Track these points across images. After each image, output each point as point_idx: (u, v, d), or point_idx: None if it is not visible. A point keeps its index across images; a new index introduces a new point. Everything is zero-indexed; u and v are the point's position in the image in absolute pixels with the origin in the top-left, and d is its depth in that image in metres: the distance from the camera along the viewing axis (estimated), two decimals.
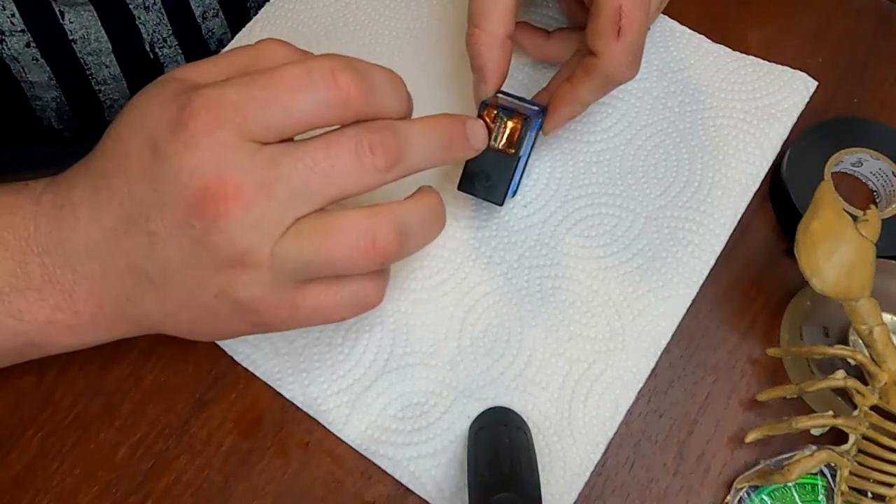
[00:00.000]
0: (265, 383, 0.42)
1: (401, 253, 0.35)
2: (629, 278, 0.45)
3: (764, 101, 0.50)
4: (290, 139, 0.34)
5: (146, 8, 0.52)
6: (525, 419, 0.41)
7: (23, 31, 0.48)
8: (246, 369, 0.43)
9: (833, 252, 0.39)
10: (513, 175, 0.41)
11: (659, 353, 0.43)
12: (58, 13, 0.48)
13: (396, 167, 0.34)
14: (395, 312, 0.44)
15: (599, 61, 0.40)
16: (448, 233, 0.46)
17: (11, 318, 0.36)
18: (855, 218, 0.40)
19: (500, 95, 0.43)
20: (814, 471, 0.39)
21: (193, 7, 0.54)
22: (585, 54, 0.41)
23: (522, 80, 0.50)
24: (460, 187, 0.42)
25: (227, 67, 0.35)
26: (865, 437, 0.39)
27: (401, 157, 0.34)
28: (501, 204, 0.42)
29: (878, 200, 0.49)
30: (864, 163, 0.48)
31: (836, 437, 0.40)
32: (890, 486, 0.38)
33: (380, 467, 0.40)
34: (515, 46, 0.47)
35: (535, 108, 0.42)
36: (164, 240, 0.34)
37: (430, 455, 0.40)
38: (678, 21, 0.52)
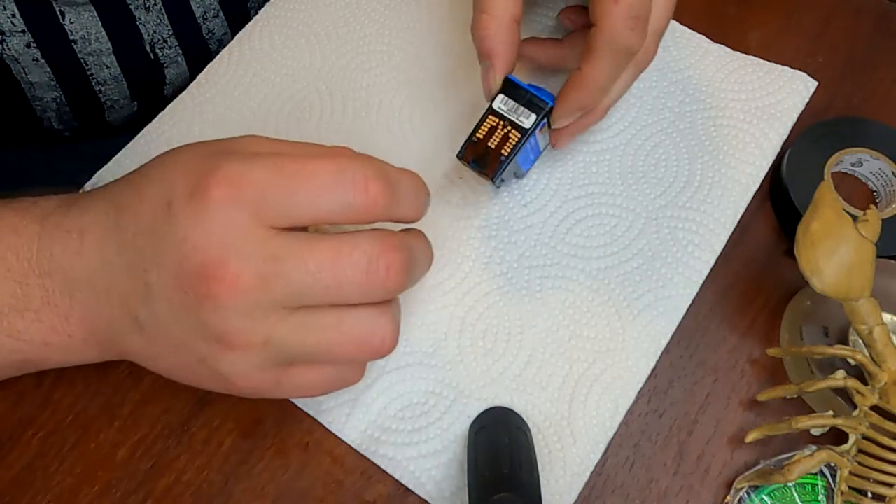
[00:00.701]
0: None
1: (392, 351, 0.35)
2: (629, 278, 0.45)
3: (764, 101, 0.50)
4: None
5: (146, 8, 0.52)
6: (525, 419, 0.41)
7: (23, 31, 0.48)
8: None
9: (833, 252, 0.39)
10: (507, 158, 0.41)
11: (659, 353, 0.43)
12: (58, 13, 0.48)
13: (400, 290, 0.34)
14: None
15: (600, 29, 0.39)
16: (448, 233, 0.46)
17: (10, 338, 0.36)
18: (855, 218, 0.40)
19: (511, 80, 0.41)
20: (814, 471, 0.39)
21: (194, 8, 0.54)
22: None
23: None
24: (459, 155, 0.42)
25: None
26: (865, 437, 0.39)
27: (409, 281, 0.34)
28: (494, 182, 0.42)
29: (878, 200, 0.49)
30: (864, 163, 0.48)
31: (836, 437, 0.40)
32: (890, 486, 0.38)
33: (380, 467, 0.40)
34: (529, 61, 0.47)
35: (544, 103, 0.41)
36: (158, 295, 0.33)
37: (430, 455, 0.40)
38: (678, 21, 0.52)
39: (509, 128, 0.41)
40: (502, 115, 0.41)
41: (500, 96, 0.41)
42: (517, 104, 0.41)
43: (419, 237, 0.36)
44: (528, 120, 0.41)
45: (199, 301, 0.32)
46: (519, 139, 0.41)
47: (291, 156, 0.33)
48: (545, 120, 0.42)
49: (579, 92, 0.40)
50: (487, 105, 0.42)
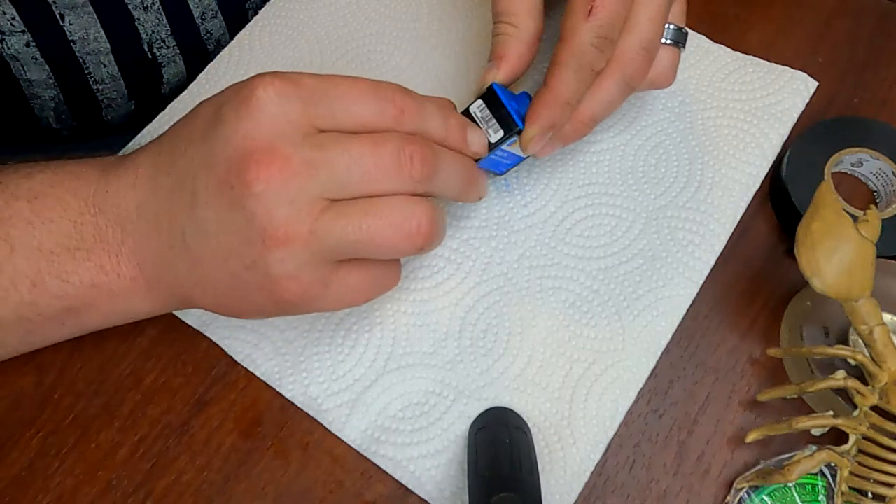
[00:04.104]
0: (265, 383, 0.42)
1: (434, 243, 0.36)
2: (629, 278, 0.44)
3: (764, 101, 0.50)
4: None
5: (145, 8, 0.52)
6: (525, 419, 0.41)
7: (23, 31, 0.48)
8: (246, 369, 0.43)
9: (833, 252, 0.39)
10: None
11: (659, 353, 0.43)
12: (58, 16, 0.48)
13: (426, 182, 0.36)
14: (395, 312, 0.44)
15: (566, 44, 0.38)
16: (448, 233, 0.45)
17: (57, 279, 0.37)
18: (855, 218, 0.40)
19: (494, 89, 0.40)
20: (814, 471, 0.39)
21: (192, 8, 0.54)
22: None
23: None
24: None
25: None
26: (866, 438, 0.39)
27: (433, 174, 0.36)
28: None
29: (878, 200, 0.49)
30: (864, 163, 0.48)
31: (836, 437, 0.40)
32: (890, 486, 0.38)
33: (380, 467, 0.40)
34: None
35: (515, 124, 0.40)
36: (204, 201, 0.35)
37: (430, 455, 0.40)
38: None
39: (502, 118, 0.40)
40: (475, 120, 0.40)
41: (479, 102, 0.40)
42: (491, 115, 0.40)
43: (453, 154, 0.38)
44: (495, 135, 0.40)
45: (244, 192, 0.33)
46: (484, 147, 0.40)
47: (333, 74, 0.36)
48: (515, 138, 0.40)
49: (546, 108, 0.39)
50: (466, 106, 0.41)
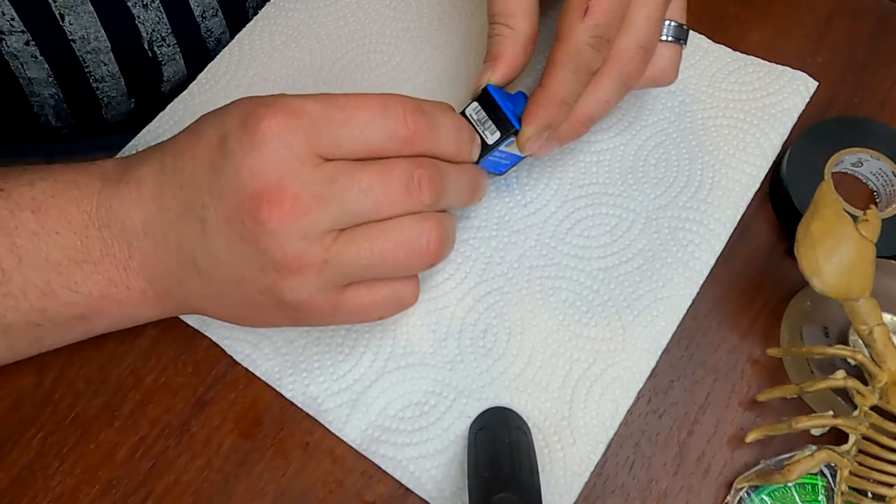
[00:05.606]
0: (265, 383, 0.42)
1: (444, 256, 0.37)
2: (629, 278, 0.45)
3: (764, 101, 0.50)
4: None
5: (145, 6, 0.52)
6: (525, 419, 0.41)
7: (22, 31, 0.48)
8: (246, 369, 0.43)
9: (833, 252, 0.39)
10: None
11: (659, 353, 0.43)
12: (58, 16, 0.48)
13: (437, 204, 0.36)
14: None
15: (562, 44, 0.38)
16: None
17: (67, 290, 0.37)
18: (855, 218, 0.40)
19: (489, 91, 0.40)
20: (814, 471, 0.39)
21: (193, 6, 0.54)
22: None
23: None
24: None
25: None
26: (865, 437, 0.39)
27: (442, 196, 0.36)
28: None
29: (878, 200, 0.49)
30: (864, 163, 0.48)
31: (836, 437, 0.40)
32: (890, 486, 0.38)
33: (380, 467, 0.40)
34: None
35: (511, 125, 0.40)
36: (214, 230, 0.35)
37: (430, 455, 0.40)
38: None
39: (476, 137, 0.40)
40: (471, 123, 0.40)
41: (474, 104, 0.40)
42: (487, 117, 0.40)
43: (459, 168, 0.38)
44: (492, 136, 0.40)
45: (257, 228, 0.33)
46: (479, 152, 0.40)
47: (340, 94, 0.35)
48: (512, 139, 0.40)
49: (542, 108, 0.39)
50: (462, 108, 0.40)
